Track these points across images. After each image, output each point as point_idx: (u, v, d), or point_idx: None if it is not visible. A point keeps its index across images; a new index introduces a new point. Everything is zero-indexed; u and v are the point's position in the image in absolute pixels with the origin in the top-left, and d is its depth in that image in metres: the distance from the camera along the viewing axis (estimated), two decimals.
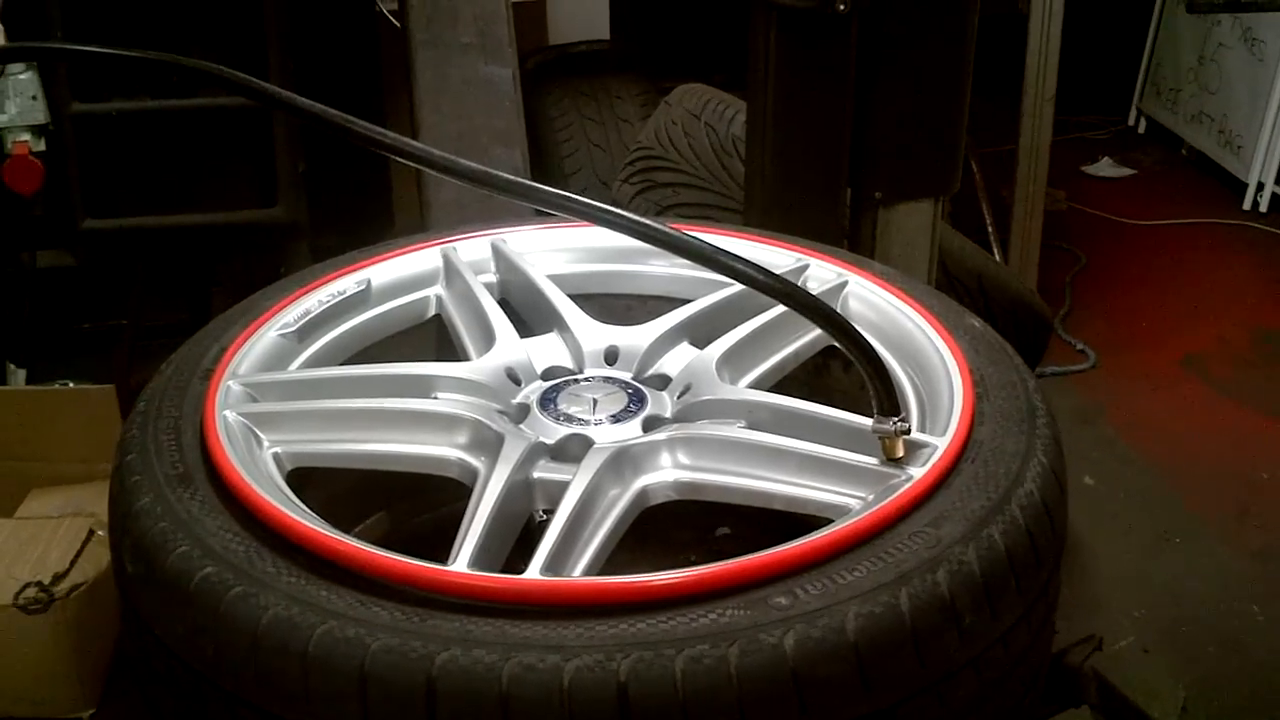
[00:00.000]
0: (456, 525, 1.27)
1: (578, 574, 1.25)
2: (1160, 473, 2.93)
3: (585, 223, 1.29)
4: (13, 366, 2.93)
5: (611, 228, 1.26)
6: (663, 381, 1.62)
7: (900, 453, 1.33)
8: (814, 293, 1.55)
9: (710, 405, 1.52)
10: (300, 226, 2.77)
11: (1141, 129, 5.16)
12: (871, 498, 1.31)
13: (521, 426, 1.49)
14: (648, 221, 1.26)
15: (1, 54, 2.39)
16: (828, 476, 1.36)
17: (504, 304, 1.75)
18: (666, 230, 1.27)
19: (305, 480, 1.46)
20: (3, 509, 2.40)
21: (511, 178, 1.26)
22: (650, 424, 1.50)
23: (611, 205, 1.27)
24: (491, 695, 1.05)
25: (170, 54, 1.37)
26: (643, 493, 1.38)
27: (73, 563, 2.19)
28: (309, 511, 1.28)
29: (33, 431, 2.50)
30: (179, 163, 2.70)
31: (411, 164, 1.29)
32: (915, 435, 1.35)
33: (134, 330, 2.97)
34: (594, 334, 1.69)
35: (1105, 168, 4.81)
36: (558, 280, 1.78)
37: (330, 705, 1.09)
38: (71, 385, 2.60)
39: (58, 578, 2.15)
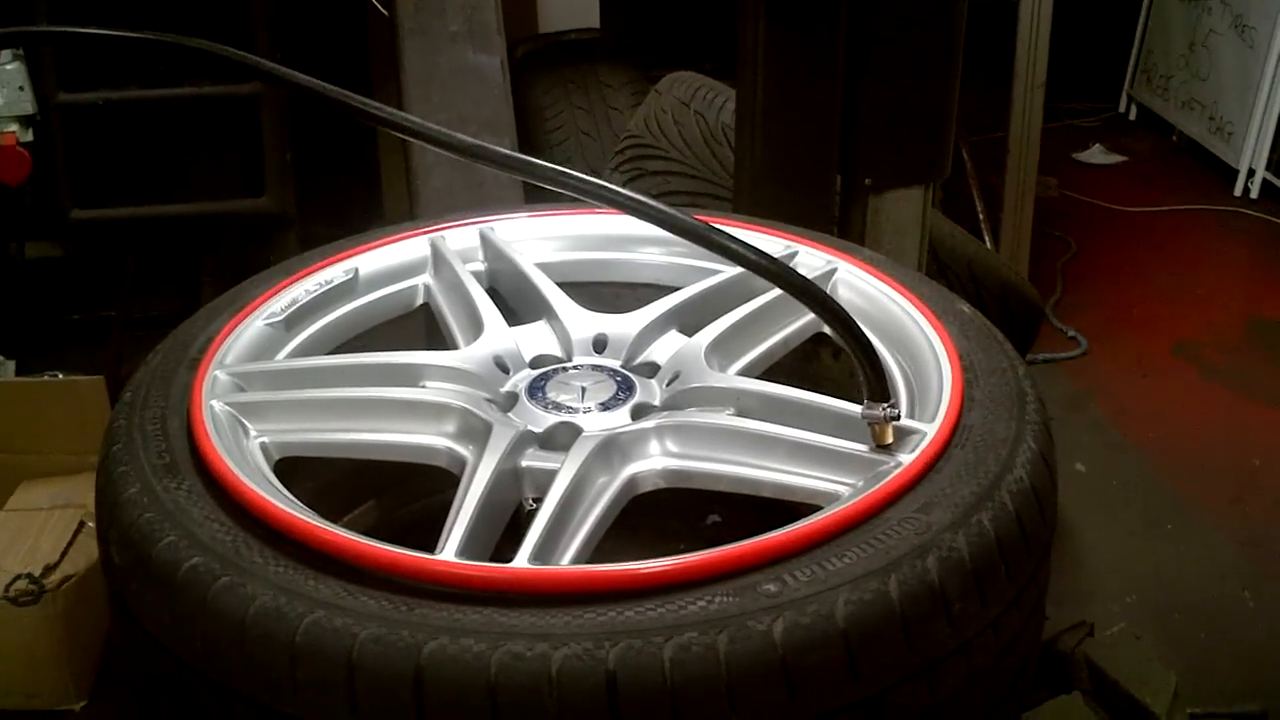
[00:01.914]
0: (445, 514, 1.27)
1: (566, 562, 1.25)
2: (1151, 459, 2.93)
3: (578, 200, 1.28)
4: (2, 358, 2.92)
5: (606, 204, 1.26)
6: (651, 369, 1.61)
7: (890, 439, 1.32)
8: None
9: (699, 393, 1.51)
10: (288, 216, 2.77)
11: (1132, 116, 5.16)
12: (861, 484, 1.30)
13: (510, 415, 1.49)
14: (642, 198, 1.25)
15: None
16: (817, 463, 1.35)
17: (492, 292, 1.74)
18: (661, 208, 1.26)
19: (295, 470, 1.46)
20: None
21: (506, 151, 1.26)
22: (639, 412, 1.50)
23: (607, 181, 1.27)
24: (479, 684, 1.04)
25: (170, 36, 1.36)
26: (631, 481, 1.38)
27: (63, 554, 2.19)
28: (296, 501, 1.28)
29: (22, 423, 2.49)
30: (167, 153, 2.70)
31: (410, 138, 1.28)
32: (904, 422, 1.34)
33: (123, 321, 2.96)
34: (582, 322, 1.68)
35: (1096, 155, 4.81)
36: (546, 268, 1.77)
37: (318, 695, 1.08)
38: (61, 376, 2.59)
39: (48, 570, 2.15)
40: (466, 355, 1.60)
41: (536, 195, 1.48)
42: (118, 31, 1.37)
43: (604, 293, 1.84)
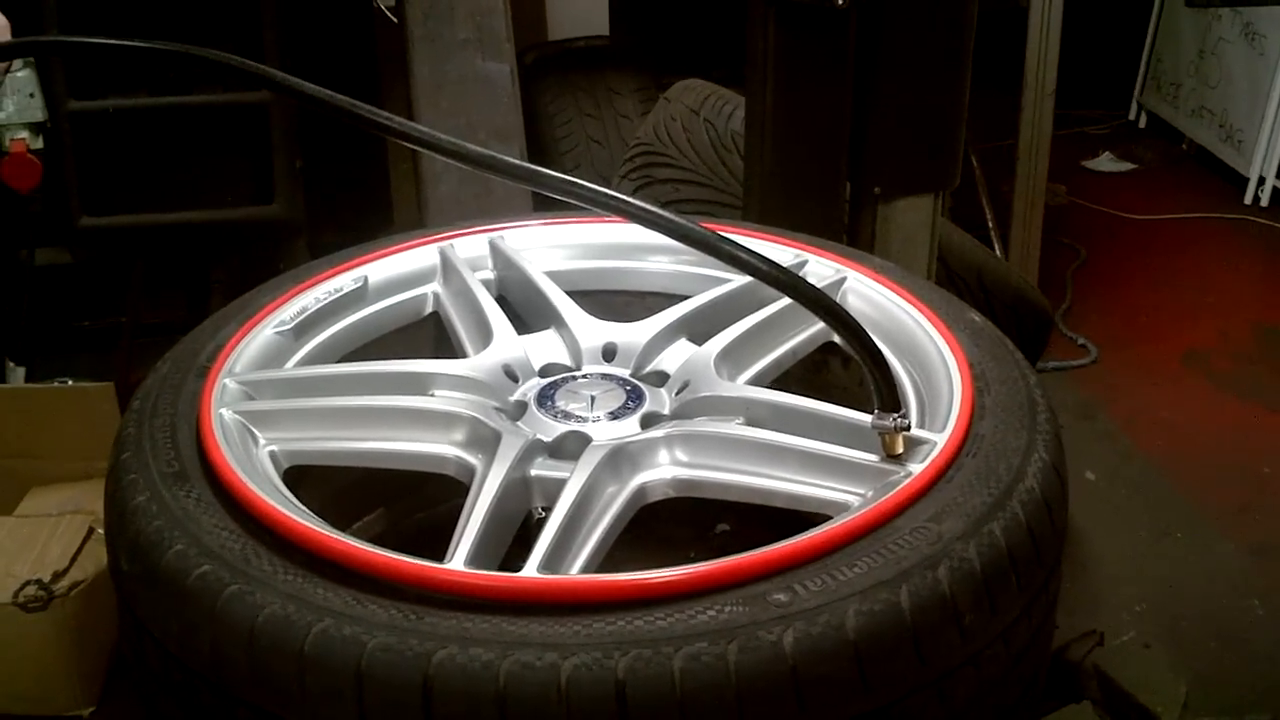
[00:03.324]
0: (454, 523, 1.26)
1: (575, 571, 1.25)
2: (1161, 467, 2.92)
3: (588, 210, 1.28)
4: (12, 364, 2.93)
5: (615, 213, 1.25)
6: (661, 378, 1.61)
7: (900, 449, 1.32)
8: None
9: (708, 402, 1.51)
10: (297, 223, 2.77)
11: (1142, 123, 5.15)
12: (871, 494, 1.30)
13: (519, 424, 1.49)
14: (651, 208, 1.25)
15: (8, 48, 2.39)
16: (827, 473, 1.35)
17: (501, 301, 1.74)
18: (671, 217, 1.26)
19: (303, 478, 1.46)
20: (2, 507, 2.39)
21: (516, 161, 1.26)
22: (648, 421, 1.50)
23: (616, 190, 1.27)
24: (489, 694, 1.04)
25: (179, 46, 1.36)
26: (640, 490, 1.37)
27: (72, 560, 2.18)
28: (305, 509, 1.28)
29: (32, 429, 2.49)
30: (176, 160, 2.70)
31: (419, 148, 1.28)
32: (915, 432, 1.34)
33: (133, 328, 2.97)
34: (592, 331, 1.68)
35: (1106, 162, 4.80)
36: (555, 277, 1.77)
37: (326, 704, 1.08)
38: (71, 383, 2.59)
39: (57, 576, 2.14)
40: (475, 364, 1.60)
41: (546, 203, 1.48)
42: (127, 41, 1.38)
43: (613, 301, 1.83)
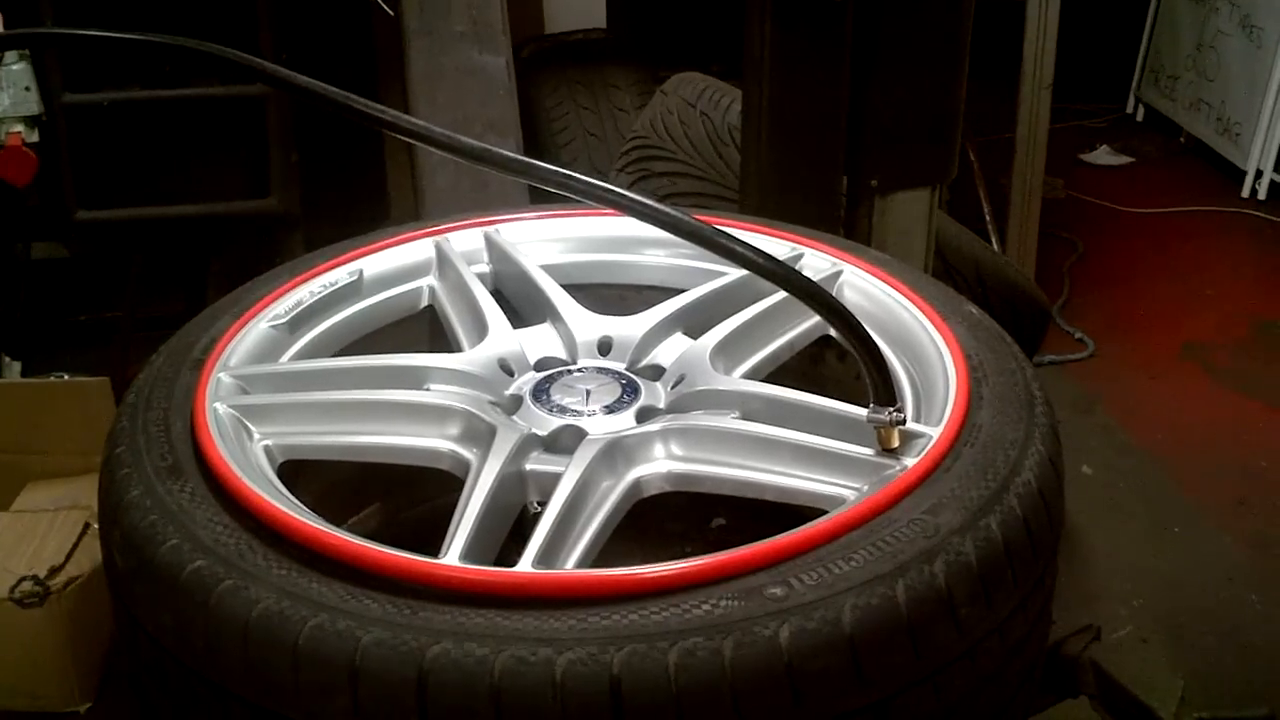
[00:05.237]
0: (450, 518, 1.26)
1: (570, 566, 1.24)
2: (1159, 461, 2.92)
3: (583, 204, 1.28)
4: (8, 359, 2.92)
5: (610, 206, 1.25)
6: (656, 372, 1.61)
7: (895, 443, 1.32)
8: None
9: (704, 396, 1.51)
10: (293, 217, 2.77)
11: (1140, 116, 5.15)
12: (866, 488, 1.30)
13: (514, 418, 1.48)
14: (647, 200, 1.25)
15: (2, 40, 2.38)
16: (822, 467, 1.35)
17: (497, 295, 1.74)
18: (666, 210, 1.26)
19: (298, 473, 1.45)
20: None
21: (510, 154, 1.26)
22: (644, 415, 1.49)
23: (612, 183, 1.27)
24: (483, 688, 1.04)
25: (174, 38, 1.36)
26: (636, 484, 1.37)
27: (69, 556, 2.18)
28: (300, 504, 1.28)
29: (28, 424, 2.49)
30: (172, 153, 2.70)
31: (412, 141, 1.28)
32: (910, 425, 1.34)
33: (130, 322, 2.96)
34: (587, 324, 1.68)
35: (1103, 156, 4.80)
36: (551, 270, 1.77)
37: (321, 699, 1.08)
38: (67, 377, 2.59)
39: (53, 571, 2.14)
40: (471, 358, 1.60)
41: (542, 195, 1.47)
42: (122, 33, 1.37)
43: (609, 295, 1.83)
